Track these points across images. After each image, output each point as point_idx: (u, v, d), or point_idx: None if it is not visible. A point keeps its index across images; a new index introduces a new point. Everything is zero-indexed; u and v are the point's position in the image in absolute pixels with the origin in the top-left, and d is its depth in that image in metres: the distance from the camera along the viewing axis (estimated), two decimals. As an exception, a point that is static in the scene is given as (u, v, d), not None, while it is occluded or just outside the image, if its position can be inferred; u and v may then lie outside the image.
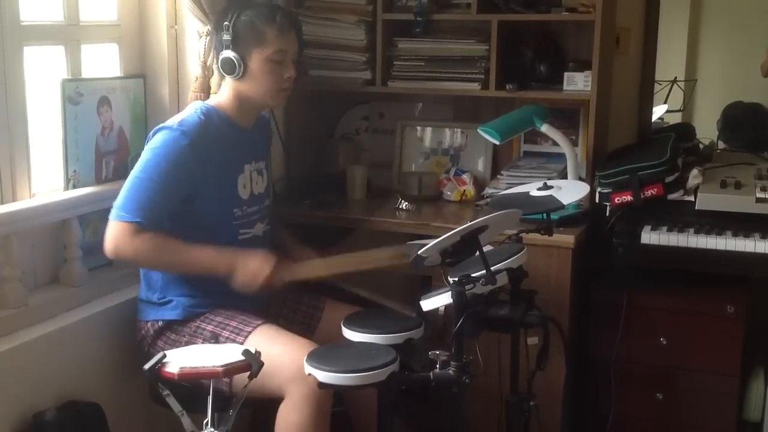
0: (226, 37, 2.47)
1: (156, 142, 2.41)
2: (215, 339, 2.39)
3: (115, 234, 2.35)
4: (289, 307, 2.75)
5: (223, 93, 2.58)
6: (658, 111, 3.52)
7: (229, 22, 2.48)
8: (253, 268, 2.42)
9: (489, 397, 2.78)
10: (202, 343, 2.40)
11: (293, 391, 2.29)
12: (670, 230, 2.89)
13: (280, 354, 2.31)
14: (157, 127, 2.45)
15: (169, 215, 2.41)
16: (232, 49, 2.47)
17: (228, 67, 2.49)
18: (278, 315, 2.70)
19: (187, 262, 2.42)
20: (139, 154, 2.48)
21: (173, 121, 2.45)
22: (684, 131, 3.38)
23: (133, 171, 2.41)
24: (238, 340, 2.39)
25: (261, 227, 2.62)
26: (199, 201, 2.45)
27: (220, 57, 2.49)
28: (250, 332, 2.40)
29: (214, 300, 2.51)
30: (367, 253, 2.60)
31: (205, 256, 2.42)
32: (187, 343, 2.43)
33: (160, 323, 2.50)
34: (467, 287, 2.18)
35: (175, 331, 2.49)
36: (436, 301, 2.35)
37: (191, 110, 2.50)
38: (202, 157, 2.42)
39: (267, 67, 2.50)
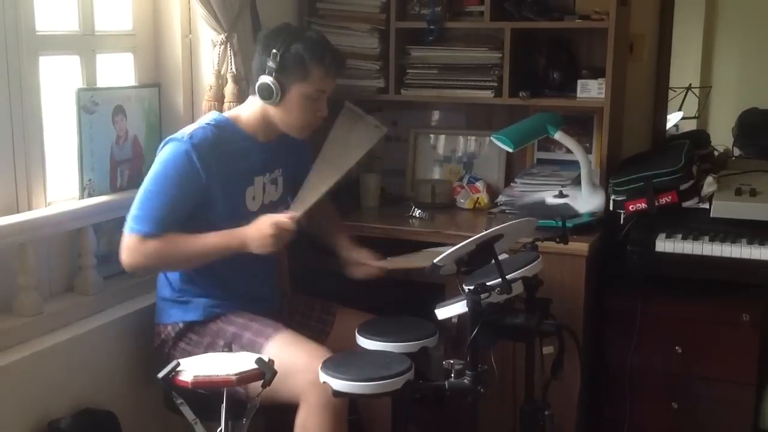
0: (271, 64, 2.45)
1: (165, 154, 2.42)
2: (234, 341, 2.39)
3: (126, 245, 2.38)
4: (301, 314, 2.75)
5: (249, 109, 2.56)
6: (673, 118, 3.51)
7: (278, 50, 2.45)
8: (259, 230, 2.39)
9: (504, 406, 2.77)
10: (223, 344, 2.40)
11: (310, 397, 2.29)
12: (684, 238, 2.87)
13: (296, 361, 2.32)
14: (167, 138, 2.45)
15: (180, 225, 2.41)
16: (274, 77, 2.46)
17: (265, 93, 2.47)
18: (290, 321, 2.70)
19: (201, 251, 2.41)
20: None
21: (183, 132, 2.44)
22: (699, 138, 3.37)
23: (144, 183, 2.42)
24: (258, 341, 2.40)
25: None
26: (208, 212, 2.45)
27: (260, 80, 2.47)
28: (270, 335, 2.41)
29: (232, 302, 2.52)
30: None
31: (215, 239, 2.41)
32: (209, 345, 2.45)
33: (181, 325, 2.50)
34: (483, 296, 2.17)
35: (197, 333, 2.49)
36: (452, 310, 2.34)
37: (203, 122, 2.50)
38: (210, 169, 2.42)
39: (303, 102, 2.50)
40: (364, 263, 2.67)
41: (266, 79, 2.46)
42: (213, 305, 2.51)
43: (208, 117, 2.54)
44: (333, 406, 2.28)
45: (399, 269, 2.66)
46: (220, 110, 2.74)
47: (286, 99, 2.48)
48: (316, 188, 2.60)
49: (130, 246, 2.37)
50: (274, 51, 2.45)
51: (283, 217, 2.43)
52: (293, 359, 2.31)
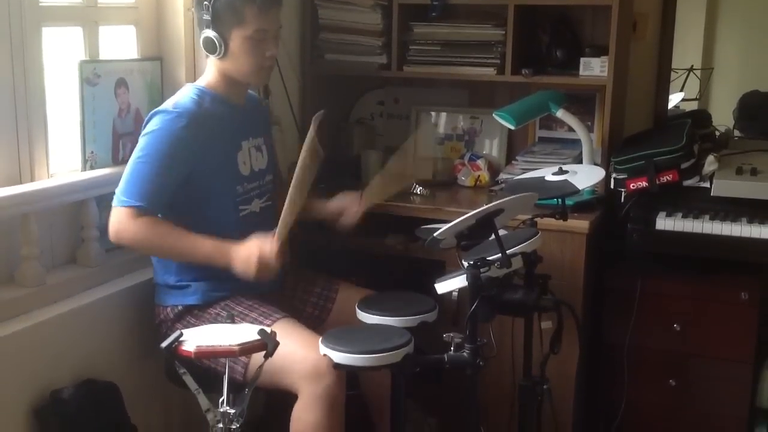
0: (206, 16, 2.43)
1: (153, 126, 2.41)
2: (232, 320, 2.40)
3: (116, 219, 2.37)
4: (303, 289, 2.76)
5: (210, 72, 2.56)
6: (675, 99, 3.50)
7: (209, 1, 2.44)
8: (243, 254, 2.37)
9: (502, 380, 2.79)
10: (226, 315, 2.39)
11: (306, 390, 2.30)
12: (685, 216, 2.88)
13: (295, 351, 2.30)
14: (153, 111, 2.44)
15: (172, 197, 2.41)
16: (213, 29, 2.44)
17: (209, 47, 2.46)
18: (293, 297, 2.71)
19: (186, 251, 2.41)
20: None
21: (168, 104, 2.45)
22: (700, 118, 3.37)
23: (133, 156, 2.41)
24: None
25: (258, 203, 2.61)
26: (203, 180, 2.46)
27: (202, 36, 2.47)
28: (267, 325, 2.38)
29: (231, 284, 2.50)
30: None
31: (204, 246, 2.39)
32: None
33: (180, 308, 2.51)
34: (482, 270, 2.19)
35: (195, 316, 2.50)
36: (451, 284, 2.36)
37: (184, 93, 2.49)
38: (200, 137, 2.42)
39: (247, 46, 2.47)
40: (346, 211, 2.70)
41: (207, 33, 2.45)
42: (213, 289, 2.51)
43: (184, 90, 2.52)
44: (329, 399, 2.28)
45: (378, 196, 2.71)
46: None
47: (231, 48, 2.46)
48: (291, 207, 2.44)
49: (119, 220, 2.36)
50: (205, 3, 2.44)
51: (267, 247, 2.36)
52: (289, 350, 2.28)
